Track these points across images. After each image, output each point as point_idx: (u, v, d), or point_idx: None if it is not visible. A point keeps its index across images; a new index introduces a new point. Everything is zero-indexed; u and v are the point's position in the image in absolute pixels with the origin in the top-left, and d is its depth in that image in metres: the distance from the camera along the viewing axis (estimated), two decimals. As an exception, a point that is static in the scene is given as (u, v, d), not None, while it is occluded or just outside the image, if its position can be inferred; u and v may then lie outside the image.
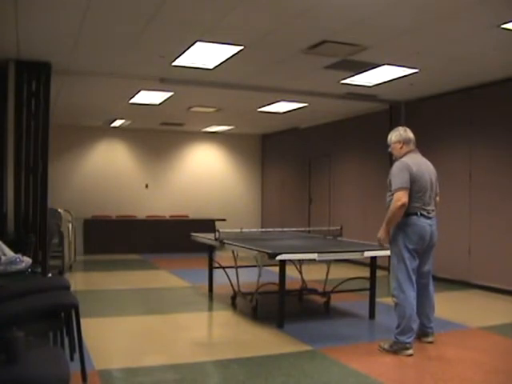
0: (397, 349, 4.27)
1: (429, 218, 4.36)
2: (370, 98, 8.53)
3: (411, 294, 4.31)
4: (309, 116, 10.48)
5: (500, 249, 7.01)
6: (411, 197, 4.27)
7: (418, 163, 4.39)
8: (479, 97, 7.42)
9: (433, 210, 4.42)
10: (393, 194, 4.31)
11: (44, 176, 6.44)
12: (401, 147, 4.48)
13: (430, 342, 4.52)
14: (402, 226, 4.32)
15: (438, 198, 4.55)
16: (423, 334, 4.56)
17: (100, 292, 7.20)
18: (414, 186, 4.28)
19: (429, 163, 4.53)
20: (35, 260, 5.37)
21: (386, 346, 4.34)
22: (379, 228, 4.42)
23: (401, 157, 4.46)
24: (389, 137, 4.59)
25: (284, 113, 9.96)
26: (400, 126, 7.80)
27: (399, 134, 4.50)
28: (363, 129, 9.97)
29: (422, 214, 4.31)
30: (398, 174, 4.31)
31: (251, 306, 5.65)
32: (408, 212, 4.27)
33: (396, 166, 4.39)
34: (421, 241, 4.33)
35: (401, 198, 4.20)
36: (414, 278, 4.34)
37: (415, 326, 4.35)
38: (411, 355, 4.22)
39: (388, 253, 5.90)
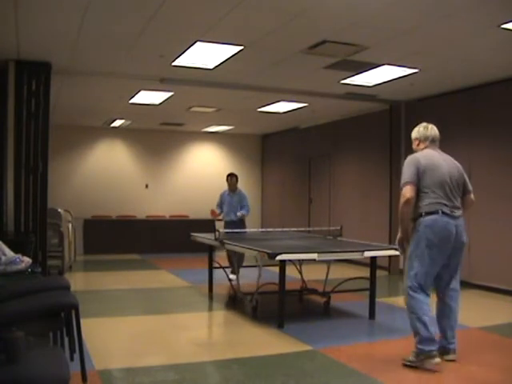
0: (423, 359, 3.89)
1: (453, 217, 3.97)
2: (370, 98, 8.53)
3: (423, 300, 3.95)
4: (309, 116, 10.47)
5: (500, 249, 7.01)
6: (423, 192, 3.97)
7: (430, 157, 4.08)
8: (479, 97, 7.41)
9: (458, 209, 4.05)
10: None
11: (44, 176, 6.44)
12: (417, 144, 4.24)
13: (451, 360, 4.02)
14: (420, 227, 3.96)
15: (471, 196, 4.20)
16: (443, 350, 4.06)
17: (100, 292, 7.20)
18: (425, 180, 3.98)
19: (451, 159, 4.19)
20: (35, 260, 5.37)
21: (412, 358, 3.94)
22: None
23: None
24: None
25: (284, 113, 9.96)
26: (400, 126, 7.77)
27: (417, 131, 4.27)
28: (363, 129, 9.97)
29: (444, 213, 3.93)
30: (404, 169, 4.04)
31: (251, 306, 5.65)
32: (426, 211, 3.94)
33: (405, 161, 4.15)
34: (443, 244, 3.95)
35: (405, 193, 3.93)
36: (429, 283, 4.00)
37: (434, 329, 3.94)
38: (438, 364, 3.87)
39: (388, 253, 5.92)
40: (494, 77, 6.92)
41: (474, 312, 6.06)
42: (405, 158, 4.27)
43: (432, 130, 4.24)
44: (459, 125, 7.72)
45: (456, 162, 4.20)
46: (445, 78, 7.11)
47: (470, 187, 4.23)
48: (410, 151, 4.45)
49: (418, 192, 3.99)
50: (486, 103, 7.33)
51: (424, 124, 4.28)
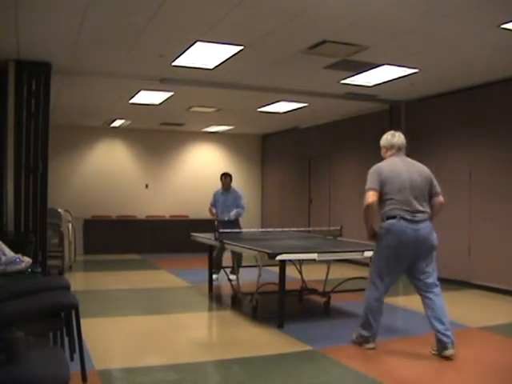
0: (361, 341, 4.47)
1: (413, 221, 4.14)
2: (370, 98, 8.53)
3: (374, 296, 4.34)
4: (309, 116, 10.47)
5: (500, 249, 7.01)
6: (385, 198, 4.21)
7: (393, 164, 4.32)
8: (479, 97, 7.41)
9: (421, 212, 4.18)
10: None
11: (44, 176, 6.44)
12: (385, 152, 4.50)
13: (449, 357, 4.09)
14: (382, 230, 4.25)
15: (439, 198, 4.29)
16: (440, 346, 4.18)
17: (100, 292, 7.20)
18: (387, 187, 4.21)
19: (416, 164, 4.37)
20: (35, 260, 5.37)
21: (354, 338, 4.53)
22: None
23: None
24: None
25: (284, 113, 9.96)
26: (400, 126, 7.79)
27: (384, 139, 4.49)
28: (363, 129, 9.96)
29: (402, 218, 4.14)
30: (368, 177, 4.32)
31: (251, 306, 5.65)
32: (387, 215, 4.21)
33: (370, 170, 4.39)
34: (401, 247, 4.16)
35: (367, 198, 4.19)
36: (384, 283, 4.30)
37: (375, 324, 4.38)
38: (372, 349, 4.38)
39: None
40: (494, 77, 6.92)
41: (474, 312, 6.06)
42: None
43: (399, 138, 4.47)
44: (459, 125, 7.72)
45: (422, 168, 4.38)
46: (445, 77, 7.11)
47: (438, 189, 4.35)
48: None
49: (381, 198, 4.25)
50: (486, 103, 7.33)
51: (391, 132, 4.51)
